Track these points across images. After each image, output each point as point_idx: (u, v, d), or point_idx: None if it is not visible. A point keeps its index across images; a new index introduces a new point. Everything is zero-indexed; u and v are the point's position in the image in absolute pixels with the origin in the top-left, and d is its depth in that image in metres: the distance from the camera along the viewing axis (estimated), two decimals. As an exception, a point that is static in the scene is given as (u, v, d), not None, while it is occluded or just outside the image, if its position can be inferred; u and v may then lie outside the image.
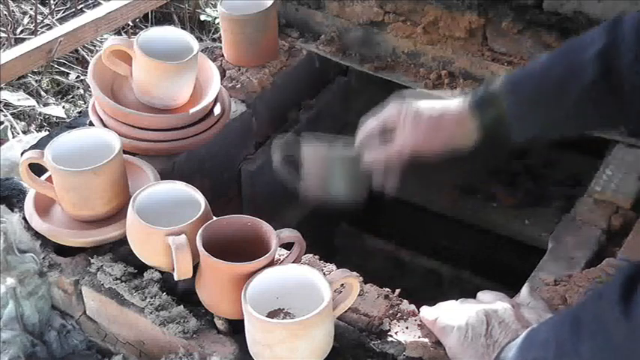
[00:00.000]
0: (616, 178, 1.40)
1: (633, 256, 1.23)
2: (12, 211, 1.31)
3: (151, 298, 1.16)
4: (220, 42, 1.75)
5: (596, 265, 1.22)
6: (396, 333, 1.11)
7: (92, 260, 1.22)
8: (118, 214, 1.26)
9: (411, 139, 1.15)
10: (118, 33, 2.65)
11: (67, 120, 2.20)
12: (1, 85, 2.27)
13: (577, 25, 1.53)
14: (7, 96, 2.42)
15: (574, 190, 1.79)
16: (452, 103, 1.16)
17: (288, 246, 1.17)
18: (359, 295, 1.10)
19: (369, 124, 1.23)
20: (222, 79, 1.60)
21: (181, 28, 2.58)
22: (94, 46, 2.66)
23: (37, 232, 1.26)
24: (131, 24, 2.76)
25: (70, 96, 2.63)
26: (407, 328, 1.12)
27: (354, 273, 1.08)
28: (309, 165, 1.24)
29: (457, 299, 1.09)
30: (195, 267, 1.12)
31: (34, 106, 2.44)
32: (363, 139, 1.23)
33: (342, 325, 1.12)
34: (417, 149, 1.15)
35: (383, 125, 1.20)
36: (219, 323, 1.13)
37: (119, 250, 1.24)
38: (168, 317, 1.13)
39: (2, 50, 2.41)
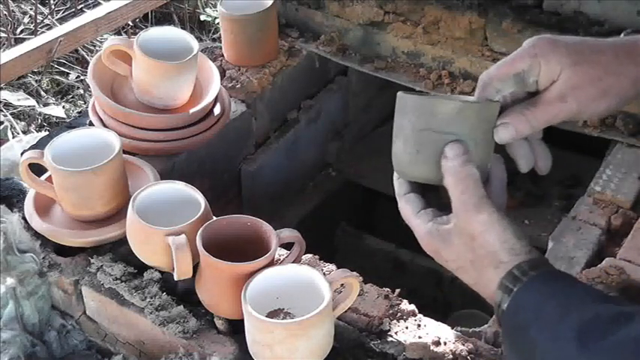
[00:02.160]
0: (616, 178, 1.40)
1: (633, 256, 1.23)
2: (12, 211, 1.31)
3: (151, 298, 1.16)
4: (220, 42, 1.75)
5: (596, 265, 1.23)
6: (396, 333, 1.11)
7: (92, 260, 1.22)
8: (118, 214, 1.26)
9: (576, 78, 0.83)
10: (118, 33, 2.65)
11: (67, 120, 2.20)
12: (1, 85, 2.27)
13: (577, 25, 1.53)
14: (7, 96, 2.42)
15: (574, 190, 1.79)
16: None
17: (288, 246, 1.17)
18: (359, 295, 1.10)
19: (493, 70, 0.89)
20: (222, 79, 1.60)
21: (181, 28, 2.58)
22: (94, 46, 2.66)
23: (37, 232, 1.26)
24: (131, 24, 2.76)
25: (70, 96, 2.63)
26: (407, 328, 1.12)
27: (354, 273, 1.08)
28: (412, 122, 0.88)
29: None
30: (195, 267, 1.12)
31: (34, 106, 2.44)
32: (485, 90, 0.89)
33: (342, 325, 1.12)
34: (586, 97, 0.84)
35: (517, 68, 0.87)
36: (219, 323, 1.13)
37: (119, 250, 1.24)
38: (168, 317, 1.13)
39: (2, 50, 2.41)
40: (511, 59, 0.88)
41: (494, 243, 0.83)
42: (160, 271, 1.19)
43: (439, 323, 1.14)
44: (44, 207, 1.29)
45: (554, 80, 0.85)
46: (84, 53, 2.67)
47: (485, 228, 0.84)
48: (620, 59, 0.85)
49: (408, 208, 0.91)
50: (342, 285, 1.09)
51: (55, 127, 2.29)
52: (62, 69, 2.66)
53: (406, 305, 1.15)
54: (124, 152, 1.29)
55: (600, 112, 0.88)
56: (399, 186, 0.93)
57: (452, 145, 0.85)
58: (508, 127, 0.86)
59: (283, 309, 1.08)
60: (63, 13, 2.82)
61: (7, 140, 1.95)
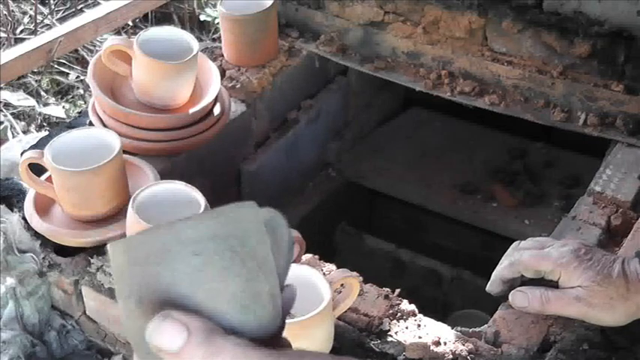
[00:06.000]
0: (616, 178, 1.40)
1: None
2: (12, 211, 1.31)
3: (151, 298, 1.16)
4: (220, 42, 1.75)
5: (596, 265, 1.22)
6: (395, 333, 1.11)
7: (92, 260, 1.22)
8: (118, 214, 1.26)
9: (592, 289, 0.99)
10: (118, 33, 2.65)
11: (67, 120, 2.20)
12: (1, 85, 2.27)
13: (577, 25, 1.53)
14: (7, 96, 2.42)
15: (574, 190, 1.79)
16: None
17: (288, 246, 1.16)
18: (359, 295, 1.10)
19: (524, 257, 1.05)
20: (222, 79, 1.60)
21: (181, 28, 2.58)
22: (94, 46, 2.66)
23: (37, 232, 1.26)
24: (131, 24, 2.76)
25: (70, 96, 2.63)
26: (407, 328, 1.12)
27: (354, 273, 1.08)
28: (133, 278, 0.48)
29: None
30: (195, 267, 1.12)
31: (34, 106, 2.44)
32: (512, 267, 1.06)
33: (342, 325, 1.12)
34: (599, 305, 1.00)
35: (540, 267, 1.03)
36: (219, 323, 1.13)
37: (119, 250, 1.24)
38: (168, 317, 1.13)
39: (2, 50, 2.41)
40: (537, 258, 1.02)
41: None
42: (159, 271, 1.19)
43: (439, 323, 1.14)
44: (44, 207, 1.29)
45: (572, 287, 1.00)
46: (84, 53, 2.67)
47: None
48: (630, 291, 1.00)
49: None
50: (342, 285, 1.09)
51: (55, 127, 2.29)
52: (62, 69, 2.66)
53: (406, 305, 1.15)
54: (124, 152, 1.29)
55: (608, 322, 1.00)
56: None
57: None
58: (524, 298, 1.02)
59: (283, 309, 1.08)
60: (63, 13, 2.82)
61: (7, 140, 1.95)
